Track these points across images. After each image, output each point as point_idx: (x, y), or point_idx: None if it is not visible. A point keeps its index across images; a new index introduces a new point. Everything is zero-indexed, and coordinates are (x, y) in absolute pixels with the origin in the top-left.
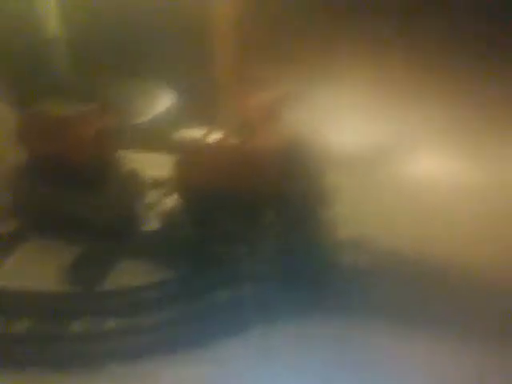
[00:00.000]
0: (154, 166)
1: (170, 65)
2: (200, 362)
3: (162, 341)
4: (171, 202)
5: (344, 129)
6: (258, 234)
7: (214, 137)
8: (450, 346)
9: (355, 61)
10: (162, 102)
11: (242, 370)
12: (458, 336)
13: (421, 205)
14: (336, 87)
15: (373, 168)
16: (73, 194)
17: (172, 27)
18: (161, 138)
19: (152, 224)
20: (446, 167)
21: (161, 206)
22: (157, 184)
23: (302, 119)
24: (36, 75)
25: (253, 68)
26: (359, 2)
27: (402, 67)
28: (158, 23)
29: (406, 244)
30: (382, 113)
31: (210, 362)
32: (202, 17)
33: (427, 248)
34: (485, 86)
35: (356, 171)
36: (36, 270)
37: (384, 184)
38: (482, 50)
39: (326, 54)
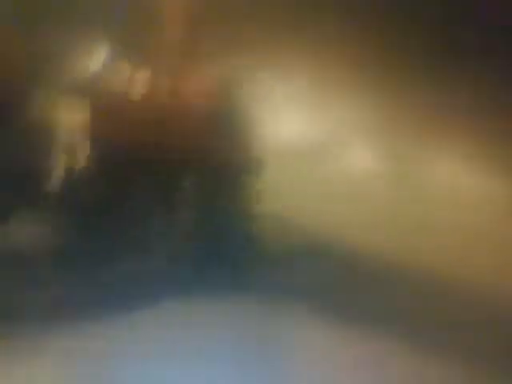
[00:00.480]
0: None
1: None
2: (90, 336)
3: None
4: (82, 156)
5: (280, 116)
6: (174, 200)
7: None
8: (378, 342)
9: (298, 55)
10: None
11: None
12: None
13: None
14: (275, 78)
15: (303, 152)
16: None
17: None
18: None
19: (57, 182)
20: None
21: (70, 160)
22: (69, 134)
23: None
24: None
25: (199, 42)
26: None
27: (341, 65)
28: None
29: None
30: (319, 107)
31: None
32: None
33: (348, 231)
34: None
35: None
36: None
37: (313, 170)
38: (418, 51)
39: (273, 42)
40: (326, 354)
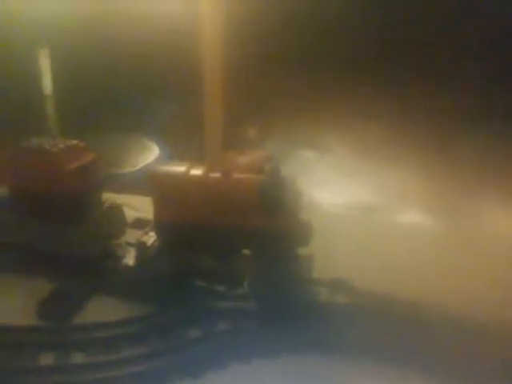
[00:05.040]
0: (137, 207)
1: (156, 121)
2: None
3: (135, 376)
4: (150, 239)
5: (325, 184)
6: (235, 271)
7: (193, 172)
8: None
9: (339, 127)
10: (149, 154)
11: None
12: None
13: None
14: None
15: (352, 218)
16: (52, 229)
17: (160, 88)
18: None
19: (130, 261)
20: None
21: (140, 243)
22: (137, 223)
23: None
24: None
25: (240, 129)
26: (339, 70)
27: (381, 131)
28: (148, 84)
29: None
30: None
31: None
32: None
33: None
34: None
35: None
36: (11, 303)
37: (362, 232)
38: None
39: (310, 119)
40: None
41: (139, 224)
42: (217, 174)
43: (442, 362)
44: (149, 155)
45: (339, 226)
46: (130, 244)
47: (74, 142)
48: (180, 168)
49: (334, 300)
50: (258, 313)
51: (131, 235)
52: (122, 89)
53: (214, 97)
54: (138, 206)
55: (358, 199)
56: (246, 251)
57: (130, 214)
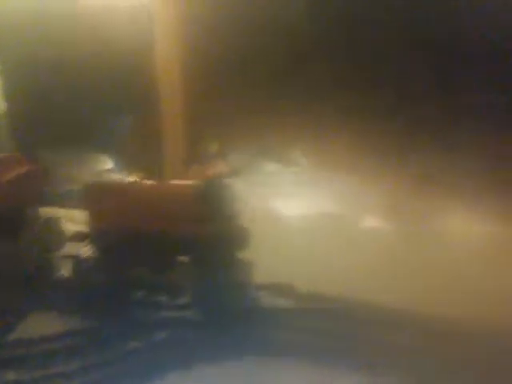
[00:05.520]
0: (78, 220)
1: (112, 136)
2: None
3: None
4: (87, 252)
5: (286, 195)
6: (174, 280)
7: (126, 181)
8: None
9: (300, 139)
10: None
11: None
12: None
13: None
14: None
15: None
16: None
17: (116, 103)
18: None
19: (66, 274)
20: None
21: (75, 256)
22: (78, 236)
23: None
24: None
25: (201, 142)
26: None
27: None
28: (105, 99)
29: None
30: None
31: None
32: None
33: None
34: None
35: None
36: None
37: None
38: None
39: (272, 132)
40: None
41: (80, 237)
42: (151, 182)
43: (383, 360)
44: (101, 169)
45: (289, 234)
46: (67, 257)
47: (7, 154)
48: (114, 178)
49: (276, 304)
50: (198, 321)
51: (71, 249)
52: (77, 104)
53: (173, 111)
54: (80, 220)
55: (315, 208)
56: (184, 259)
57: (71, 228)
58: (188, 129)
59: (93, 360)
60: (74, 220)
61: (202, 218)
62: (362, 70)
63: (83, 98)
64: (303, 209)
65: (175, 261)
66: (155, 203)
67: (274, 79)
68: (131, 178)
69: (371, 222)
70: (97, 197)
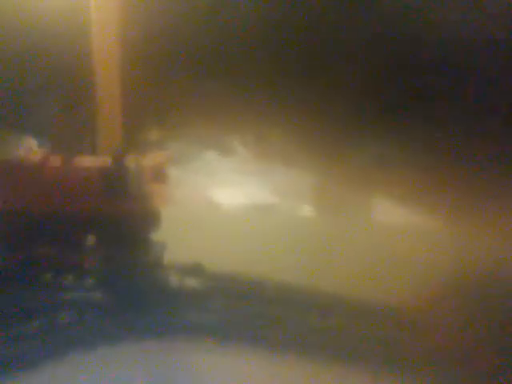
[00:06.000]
0: None
1: (44, 120)
2: None
3: None
4: None
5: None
6: (80, 258)
7: (29, 159)
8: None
9: (240, 128)
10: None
11: None
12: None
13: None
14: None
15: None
16: None
17: (50, 86)
18: None
19: None
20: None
21: None
22: None
23: None
24: None
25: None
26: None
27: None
28: (39, 82)
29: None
30: None
31: None
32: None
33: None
34: None
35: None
36: None
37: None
38: None
39: (213, 121)
40: None
41: None
42: (56, 159)
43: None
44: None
45: (218, 220)
46: None
47: None
48: (16, 156)
49: (186, 285)
50: (105, 302)
51: None
52: (10, 86)
53: (109, 98)
54: None
55: (252, 197)
56: (91, 239)
57: None
58: (125, 117)
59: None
60: None
61: (109, 197)
62: (301, 57)
63: (16, 81)
64: (237, 197)
65: (83, 241)
66: (60, 181)
67: (214, 67)
68: (34, 157)
69: (305, 211)
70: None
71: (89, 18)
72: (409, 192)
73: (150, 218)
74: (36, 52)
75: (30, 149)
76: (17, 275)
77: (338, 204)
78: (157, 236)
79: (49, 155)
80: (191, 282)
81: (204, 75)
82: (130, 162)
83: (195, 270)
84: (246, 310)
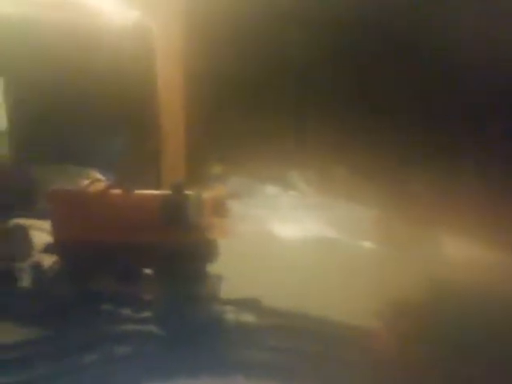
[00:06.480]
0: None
1: (111, 156)
2: None
3: None
4: (47, 261)
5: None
6: (138, 292)
7: (92, 188)
8: None
9: (302, 163)
10: None
11: None
12: None
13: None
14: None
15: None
16: None
17: (111, 123)
18: None
19: (27, 282)
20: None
21: (34, 265)
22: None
23: None
24: None
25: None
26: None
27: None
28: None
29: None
30: None
31: None
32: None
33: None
34: None
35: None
36: None
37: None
38: None
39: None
40: None
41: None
42: (117, 190)
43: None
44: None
45: (280, 254)
46: (30, 266)
47: None
48: (79, 185)
49: (242, 320)
50: (161, 336)
51: (41, 259)
52: (77, 122)
53: (174, 132)
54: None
55: (311, 232)
56: (149, 271)
57: (43, 239)
58: (189, 151)
59: (49, 371)
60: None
61: (167, 229)
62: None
63: (84, 117)
64: (298, 231)
65: (140, 273)
66: (120, 213)
67: (276, 103)
68: (96, 186)
69: (367, 247)
70: (59, 204)
71: (154, 56)
72: (476, 228)
73: (209, 252)
74: (103, 91)
75: (94, 181)
76: (75, 307)
77: (401, 240)
78: (216, 269)
79: (111, 186)
80: (248, 318)
81: (267, 111)
82: (192, 195)
83: (253, 304)
84: (304, 347)
